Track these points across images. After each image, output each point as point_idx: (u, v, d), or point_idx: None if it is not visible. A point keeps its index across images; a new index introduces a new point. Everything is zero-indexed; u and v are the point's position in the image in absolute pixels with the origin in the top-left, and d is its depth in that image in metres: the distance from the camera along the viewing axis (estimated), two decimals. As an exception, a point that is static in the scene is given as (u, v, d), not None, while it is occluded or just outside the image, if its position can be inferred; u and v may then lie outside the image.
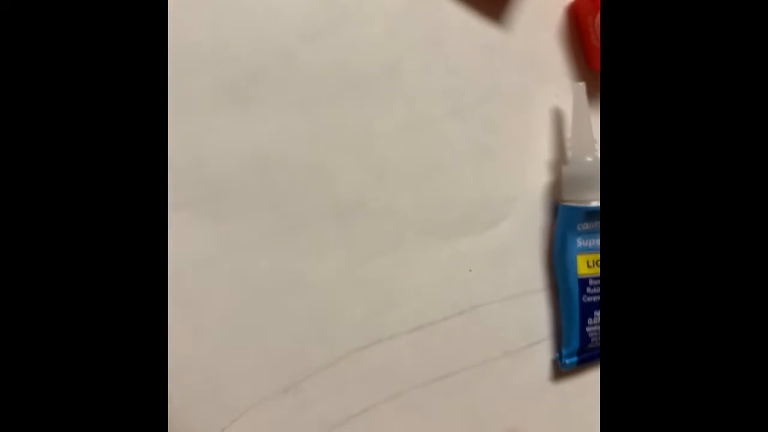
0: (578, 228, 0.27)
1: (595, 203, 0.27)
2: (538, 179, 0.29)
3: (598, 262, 0.28)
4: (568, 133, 0.28)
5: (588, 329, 0.28)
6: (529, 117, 0.28)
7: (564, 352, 0.28)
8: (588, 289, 0.27)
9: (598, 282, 0.28)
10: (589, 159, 0.27)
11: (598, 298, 0.28)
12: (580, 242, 0.27)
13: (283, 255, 0.25)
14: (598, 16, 0.27)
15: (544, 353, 0.29)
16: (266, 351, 0.25)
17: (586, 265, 0.27)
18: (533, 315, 0.29)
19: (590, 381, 0.29)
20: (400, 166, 0.27)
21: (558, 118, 0.29)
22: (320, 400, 0.26)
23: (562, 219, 0.28)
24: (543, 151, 0.29)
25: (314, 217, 0.26)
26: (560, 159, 0.29)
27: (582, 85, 0.27)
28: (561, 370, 0.29)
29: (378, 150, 0.26)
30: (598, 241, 0.27)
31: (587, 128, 0.27)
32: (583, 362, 0.28)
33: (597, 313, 0.28)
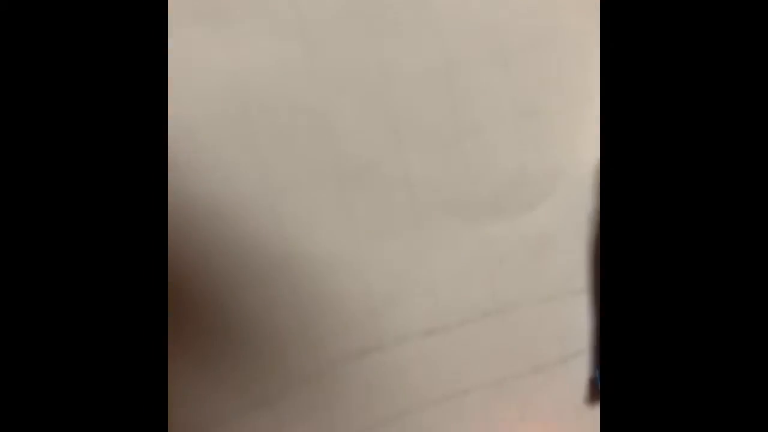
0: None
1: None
2: (591, 152, 0.23)
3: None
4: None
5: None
6: (590, 72, 0.22)
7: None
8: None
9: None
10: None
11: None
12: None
13: (265, 223, 0.19)
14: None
15: (580, 370, 0.24)
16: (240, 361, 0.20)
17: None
18: (571, 322, 0.24)
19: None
20: (423, 123, 0.21)
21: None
22: (302, 419, 0.21)
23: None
24: (601, 117, 0.23)
25: (308, 178, 0.20)
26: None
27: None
28: (599, 391, 0.24)
29: (396, 100, 0.20)
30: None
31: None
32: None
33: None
